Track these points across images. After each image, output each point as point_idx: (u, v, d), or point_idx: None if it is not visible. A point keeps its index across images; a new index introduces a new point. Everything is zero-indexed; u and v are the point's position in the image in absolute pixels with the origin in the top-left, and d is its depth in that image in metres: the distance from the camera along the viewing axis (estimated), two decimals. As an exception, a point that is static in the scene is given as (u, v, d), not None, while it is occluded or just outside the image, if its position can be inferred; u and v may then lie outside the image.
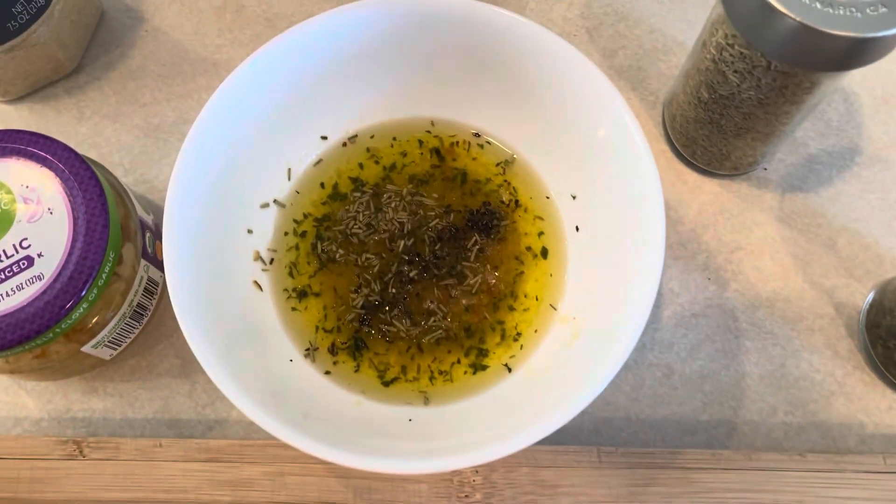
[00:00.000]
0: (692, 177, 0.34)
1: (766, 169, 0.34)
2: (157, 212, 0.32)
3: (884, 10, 0.22)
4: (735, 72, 0.27)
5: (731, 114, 0.29)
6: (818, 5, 0.22)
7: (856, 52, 0.23)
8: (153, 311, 0.30)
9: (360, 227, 0.31)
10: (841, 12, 0.22)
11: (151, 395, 0.31)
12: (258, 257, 0.30)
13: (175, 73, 0.35)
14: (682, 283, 0.32)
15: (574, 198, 0.31)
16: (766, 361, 0.31)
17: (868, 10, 0.22)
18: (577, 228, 0.31)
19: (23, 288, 0.26)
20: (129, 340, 0.30)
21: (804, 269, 0.32)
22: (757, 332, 0.32)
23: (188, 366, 0.31)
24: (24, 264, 0.26)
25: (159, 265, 0.30)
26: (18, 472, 0.28)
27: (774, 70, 0.25)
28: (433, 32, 0.30)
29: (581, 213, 0.31)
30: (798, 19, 0.23)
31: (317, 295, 0.31)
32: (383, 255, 0.31)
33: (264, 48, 0.28)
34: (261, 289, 0.30)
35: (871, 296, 0.31)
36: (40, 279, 0.26)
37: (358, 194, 0.32)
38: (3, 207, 0.27)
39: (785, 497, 0.27)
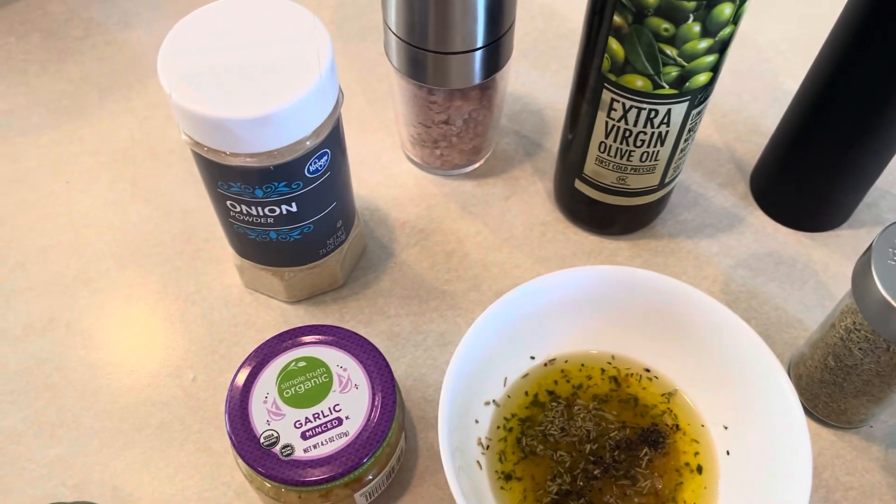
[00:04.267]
0: (812, 425, 0.43)
1: (871, 427, 0.42)
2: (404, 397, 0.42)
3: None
4: (860, 349, 0.37)
5: (852, 379, 0.38)
6: (926, 312, 0.33)
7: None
8: (395, 475, 0.39)
9: (555, 430, 0.40)
10: (942, 319, 0.33)
11: (378, 545, 0.39)
12: (479, 443, 0.40)
13: (413, 296, 0.47)
14: (807, 510, 0.40)
15: (726, 428, 0.40)
16: (879, 586, 0.38)
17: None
18: (728, 453, 0.39)
19: (333, 440, 0.35)
20: (377, 496, 0.38)
21: (907, 512, 0.40)
22: (871, 560, 0.39)
23: (409, 524, 0.39)
24: (336, 423, 0.36)
25: (405, 438, 0.39)
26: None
27: (893, 352, 0.35)
28: (625, 293, 0.41)
29: (731, 442, 0.39)
30: (912, 320, 0.33)
31: (519, 479, 0.39)
32: (573, 454, 0.40)
33: (505, 297, 0.40)
34: (480, 467, 0.39)
35: (965, 541, 0.38)
36: (346, 435, 0.35)
37: (554, 404, 0.41)
38: (325, 380, 0.37)
39: None
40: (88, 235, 0.49)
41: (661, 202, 0.48)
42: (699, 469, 0.40)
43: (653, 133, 0.41)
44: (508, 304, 0.40)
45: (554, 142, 0.54)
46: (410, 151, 0.52)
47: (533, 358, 0.43)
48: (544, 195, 0.52)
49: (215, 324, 0.46)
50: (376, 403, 0.36)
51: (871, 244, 0.35)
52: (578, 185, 0.47)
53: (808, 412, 0.43)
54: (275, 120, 0.34)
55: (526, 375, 0.43)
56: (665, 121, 0.40)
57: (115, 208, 0.51)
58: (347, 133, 0.54)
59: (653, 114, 0.39)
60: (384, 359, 0.38)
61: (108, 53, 0.59)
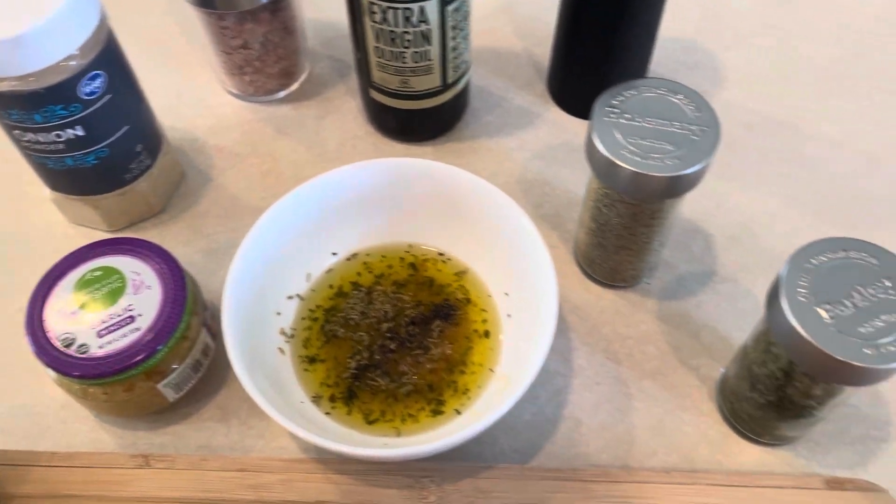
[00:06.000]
0: (596, 289, 0.47)
1: (648, 283, 0.47)
2: (213, 302, 0.45)
3: (677, 161, 0.37)
4: (604, 206, 0.41)
5: (608, 237, 0.43)
6: (639, 159, 0.37)
7: (668, 188, 0.37)
8: (205, 369, 0.42)
9: (356, 314, 0.44)
10: (654, 163, 0.37)
11: (198, 435, 0.42)
12: (283, 332, 0.43)
13: (230, 216, 0.50)
14: (589, 361, 0.44)
15: (507, 294, 0.44)
16: (650, 417, 0.42)
17: (667, 161, 0.37)
18: (509, 315, 0.43)
19: (127, 336, 0.38)
20: (186, 388, 0.41)
21: (676, 352, 0.45)
22: (643, 396, 0.43)
23: (226, 415, 0.42)
24: (129, 320, 0.39)
25: (212, 336, 0.42)
26: (98, 476, 0.39)
27: (625, 202, 0.39)
28: (412, 184, 0.45)
29: (511, 305, 0.43)
30: (629, 168, 0.37)
31: (322, 361, 0.43)
32: (372, 333, 0.43)
33: (295, 191, 0.43)
34: (283, 353, 0.42)
35: (722, 370, 0.43)
36: (139, 330, 0.38)
37: (356, 292, 0.45)
38: (119, 284, 0.40)
39: (652, 501, 0.38)
40: (-86, 191, 0.51)
41: (456, 104, 0.51)
42: (486, 334, 0.44)
43: (416, 32, 0.44)
44: (296, 200, 0.43)
45: (365, 62, 0.57)
46: (226, 82, 0.54)
47: (335, 254, 0.46)
48: (356, 112, 0.55)
49: (42, 258, 0.48)
50: (168, 299, 0.39)
51: (593, 110, 0.39)
52: (373, 94, 0.50)
53: (590, 277, 0.47)
54: (27, 40, 0.36)
55: (330, 271, 0.46)
56: (423, 19, 0.43)
57: (-60, 164, 0.52)
58: (168, 73, 0.56)
59: (408, 13, 0.43)
60: (175, 261, 0.41)
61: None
